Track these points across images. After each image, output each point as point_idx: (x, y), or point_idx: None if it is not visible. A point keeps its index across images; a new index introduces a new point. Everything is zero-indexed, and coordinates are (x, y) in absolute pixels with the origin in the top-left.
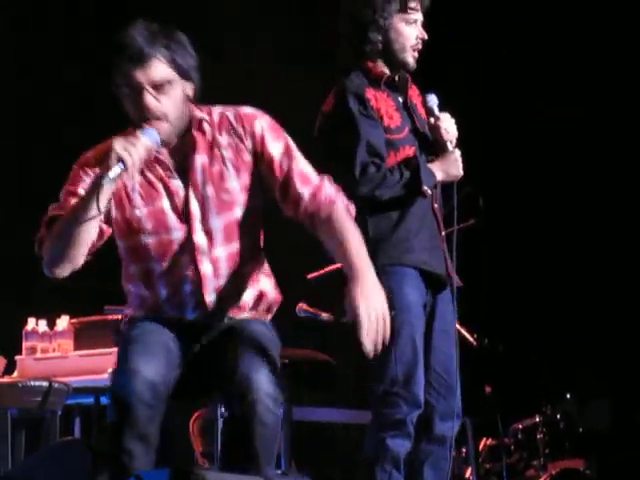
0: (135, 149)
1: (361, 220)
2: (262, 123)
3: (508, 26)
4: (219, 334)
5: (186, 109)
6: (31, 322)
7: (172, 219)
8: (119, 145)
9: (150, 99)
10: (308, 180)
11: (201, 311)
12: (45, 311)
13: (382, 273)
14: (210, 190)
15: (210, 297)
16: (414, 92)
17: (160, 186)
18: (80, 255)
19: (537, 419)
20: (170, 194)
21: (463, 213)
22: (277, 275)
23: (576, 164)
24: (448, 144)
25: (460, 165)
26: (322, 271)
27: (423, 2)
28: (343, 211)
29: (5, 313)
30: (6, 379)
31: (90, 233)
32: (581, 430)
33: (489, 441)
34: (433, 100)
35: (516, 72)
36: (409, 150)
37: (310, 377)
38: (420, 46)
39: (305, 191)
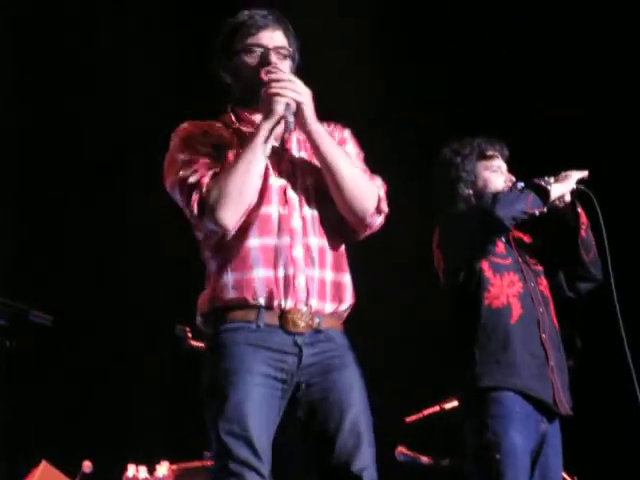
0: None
1: (467, 343)
2: (348, 131)
3: (508, 26)
4: (322, 399)
5: None
6: (131, 469)
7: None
8: (283, 90)
9: (276, 58)
10: None
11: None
12: (145, 457)
13: (485, 400)
14: (310, 180)
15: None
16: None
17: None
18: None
19: None
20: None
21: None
22: (376, 418)
23: (575, 164)
24: None
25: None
26: (420, 414)
27: (502, 151)
28: None
29: (105, 460)
30: None
31: (258, 179)
32: None
33: None
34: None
35: (516, 72)
36: (514, 277)
37: None
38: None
39: None
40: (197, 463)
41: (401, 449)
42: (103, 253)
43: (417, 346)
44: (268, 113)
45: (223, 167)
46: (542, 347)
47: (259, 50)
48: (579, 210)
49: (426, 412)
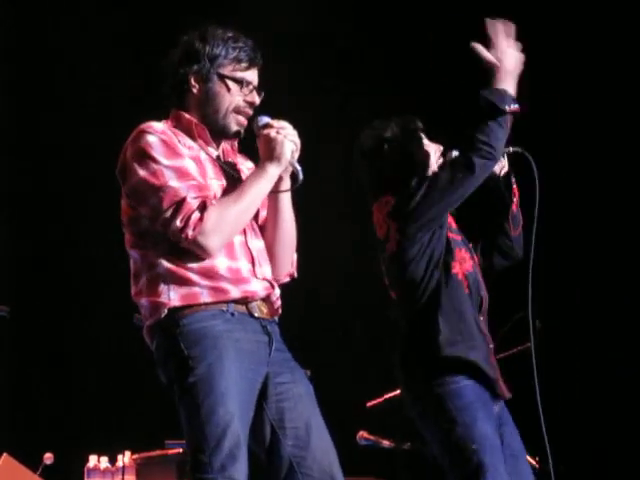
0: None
1: (429, 311)
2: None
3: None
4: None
5: None
6: (93, 459)
7: None
8: (290, 137)
9: (258, 99)
10: None
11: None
12: (106, 448)
13: (445, 389)
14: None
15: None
16: None
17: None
18: None
19: None
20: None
21: (518, 336)
22: (338, 404)
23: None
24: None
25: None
26: (381, 399)
27: None
28: None
29: (66, 451)
30: None
31: None
32: None
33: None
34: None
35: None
36: (465, 254)
37: None
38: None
39: None
40: (159, 452)
41: (362, 434)
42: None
43: (376, 331)
44: (278, 158)
45: (225, 196)
46: (481, 328)
47: (248, 87)
48: (513, 183)
49: (387, 396)
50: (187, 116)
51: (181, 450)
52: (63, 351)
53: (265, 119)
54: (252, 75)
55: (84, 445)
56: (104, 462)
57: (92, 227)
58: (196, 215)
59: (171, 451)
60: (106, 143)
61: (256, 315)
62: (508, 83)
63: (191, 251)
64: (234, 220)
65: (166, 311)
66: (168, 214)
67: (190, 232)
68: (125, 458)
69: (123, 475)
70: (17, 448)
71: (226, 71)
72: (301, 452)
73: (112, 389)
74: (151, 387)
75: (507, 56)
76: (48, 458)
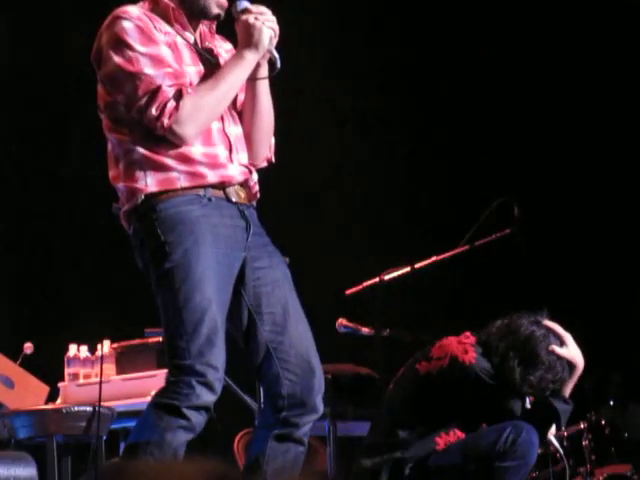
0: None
1: None
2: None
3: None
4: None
5: None
6: (72, 348)
7: None
8: (268, 23)
9: None
10: None
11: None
12: (86, 336)
13: None
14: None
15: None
16: None
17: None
18: None
19: (582, 426)
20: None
21: (497, 223)
22: (316, 292)
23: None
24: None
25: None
26: (360, 286)
27: None
28: None
29: (46, 340)
30: (50, 405)
31: None
32: (626, 435)
33: (552, 447)
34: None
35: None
36: None
37: (353, 392)
38: None
39: None
40: (138, 341)
41: (342, 321)
42: None
43: (357, 219)
44: (256, 45)
45: (202, 82)
46: None
47: None
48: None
49: (366, 284)
50: (165, 0)
51: (160, 339)
52: (42, 241)
53: (244, 3)
54: None
55: (64, 334)
56: (84, 351)
57: None
58: (172, 104)
59: (151, 339)
60: None
61: (233, 200)
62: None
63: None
64: (210, 108)
65: (143, 197)
66: (143, 102)
67: (166, 120)
68: (105, 347)
69: (102, 364)
70: None
71: None
72: (278, 337)
73: (91, 278)
74: (130, 276)
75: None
76: (28, 347)
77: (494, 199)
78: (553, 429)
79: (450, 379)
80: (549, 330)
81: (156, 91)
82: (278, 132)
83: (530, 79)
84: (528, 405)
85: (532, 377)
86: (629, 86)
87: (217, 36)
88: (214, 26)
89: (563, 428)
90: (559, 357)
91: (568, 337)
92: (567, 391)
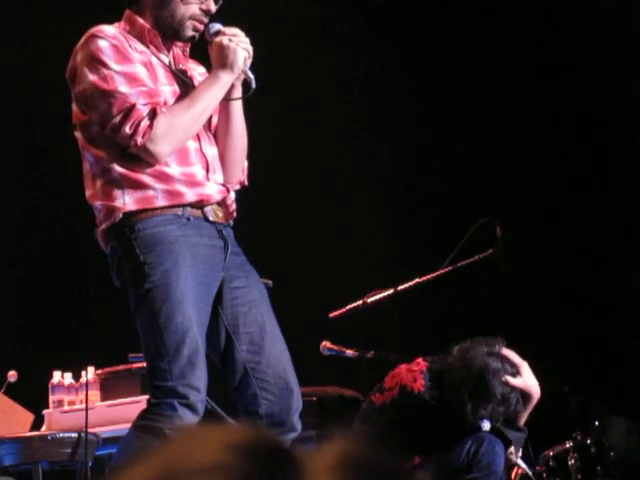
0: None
1: None
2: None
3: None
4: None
5: None
6: (57, 375)
7: None
8: (242, 45)
9: (214, 7)
10: None
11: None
12: (70, 364)
13: None
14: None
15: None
16: None
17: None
18: None
19: (567, 445)
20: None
21: (480, 244)
22: (300, 315)
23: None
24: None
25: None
26: (344, 309)
27: None
28: None
29: (30, 368)
30: (36, 432)
31: None
32: (612, 454)
33: (520, 470)
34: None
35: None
36: None
37: (338, 414)
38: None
39: None
40: (122, 367)
41: (326, 344)
42: None
43: (339, 241)
44: (231, 66)
45: (177, 102)
46: None
47: None
48: None
49: (349, 307)
50: (141, 21)
51: (144, 364)
52: (27, 268)
53: (217, 26)
54: None
55: (48, 362)
56: (68, 378)
57: None
58: (145, 122)
59: (135, 365)
60: None
61: (211, 219)
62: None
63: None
64: (185, 127)
65: (121, 215)
66: (117, 120)
67: (139, 139)
68: (89, 374)
69: (87, 390)
70: None
71: None
72: (255, 357)
73: (75, 305)
74: (112, 302)
75: (536, 385)
76: (12, 376)
77: (476, 220)
78: (520, 452)
79: (402, 408)
80: (504, 360)
81: (130, 109)
82: (261, 152)
83: (512, 101)
84: (485, 428)
85: (483, 410)
86: (609, 110)
87: (190, 60)
88: (187, 49)
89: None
90: (513, 388)
91: (524, 366)
92: (522, 420)
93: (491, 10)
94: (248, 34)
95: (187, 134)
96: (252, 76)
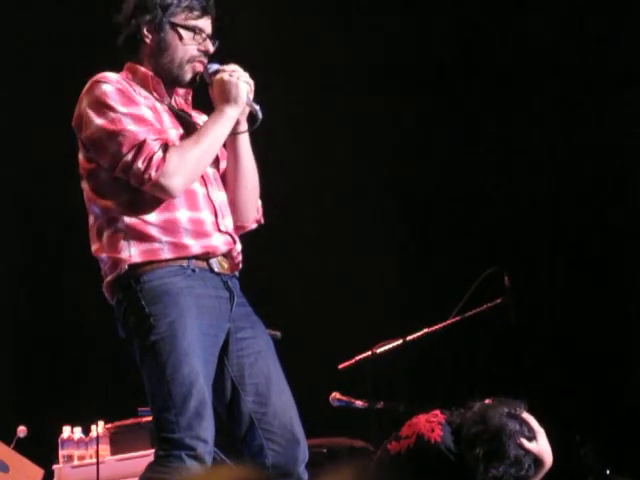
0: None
1: None
2: None
3: None
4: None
5: None
6: (66, 430)
7: None
8: (243, 78)
9: (212, 48)
10: None
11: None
12: (79, 418)
13: None
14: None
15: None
16: None
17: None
18: None
19: None
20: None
21: (488, 292)
22: (309, 366)
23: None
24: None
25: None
26: (353, 360)
27: None
28: None
29: (40, 423)
30: None
31: None
32: None
33: None
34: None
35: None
36: None
37: (348, 464)
38: None
39: None
40: (131, 420)
41: (335, 395)
42: None
43: (348, 292)
44: (235, 100)
45: (185, 138)
46: None
47: (201, 36)
48: None
49: (358, 357)
50: (142, 69)
51: None
52: (36, 321)
53: (215, 66)
54: (205, 23)
55: (57, 417)
56: (78, 433)
57: None
58: (158, 155)
59: (144, 419)
60: None
61: (216, 270)
62: None
63: (153, 199)
64: (196, 161)
65: (127, 267)
66: (129, 157)
67: (153, 173)
68: (99, 428)
69: (98, 445)
70: None
71: (178, 20)
72: (261, 408)
73: (84, 359)
74: (122, 355)
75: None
76: (22, 431)
77: (484, 269)
78: None
79: (416, 457)
80: (523, 423)
81: (141, 145)
82: (271, 198)
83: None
84: None
85: (495, 470)
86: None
87: (193, 110)
88: (190, 98)
89: None
90: (527, 452)
91: (541, 433)
92: None
93: None
94: (246, 68)
95: (198, 168)
96: (257, 107)
